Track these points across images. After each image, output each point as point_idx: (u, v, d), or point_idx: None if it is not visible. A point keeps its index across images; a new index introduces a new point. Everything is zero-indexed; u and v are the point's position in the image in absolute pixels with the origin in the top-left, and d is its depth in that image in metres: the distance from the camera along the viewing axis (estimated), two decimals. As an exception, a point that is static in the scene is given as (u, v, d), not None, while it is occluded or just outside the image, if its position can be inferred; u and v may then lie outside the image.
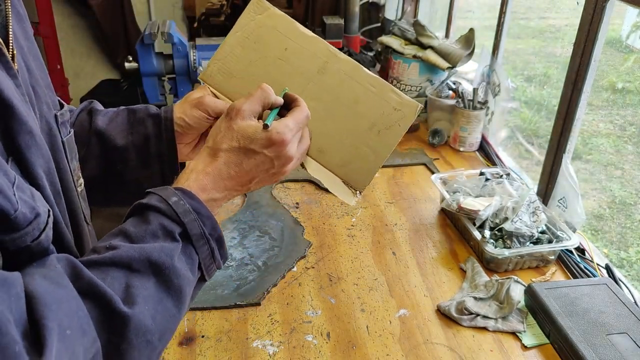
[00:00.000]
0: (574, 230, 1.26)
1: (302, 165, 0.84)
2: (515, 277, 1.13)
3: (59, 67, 3.27)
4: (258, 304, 1.11)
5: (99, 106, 0.87)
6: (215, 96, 0.85)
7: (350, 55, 2.37)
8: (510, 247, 1.19)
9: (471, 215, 1.27)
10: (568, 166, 1.33)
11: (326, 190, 1.49)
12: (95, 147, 0.82)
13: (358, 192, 0.83)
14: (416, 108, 0.80)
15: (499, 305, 1.09)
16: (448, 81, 1.93)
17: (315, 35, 0.83)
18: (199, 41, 2.16)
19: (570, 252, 1.25)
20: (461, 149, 1.79)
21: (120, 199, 0.87)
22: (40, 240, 0.50)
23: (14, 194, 0.46)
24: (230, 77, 0.84)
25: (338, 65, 0.82)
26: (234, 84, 0.84)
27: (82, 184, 0.70)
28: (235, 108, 0.69)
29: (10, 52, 0.54)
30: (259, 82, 0.76)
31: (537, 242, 1.23)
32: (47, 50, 3.19)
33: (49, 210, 0.52)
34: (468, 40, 1.91)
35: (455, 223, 1.38)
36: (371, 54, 2.42)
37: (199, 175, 0.66)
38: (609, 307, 1.04)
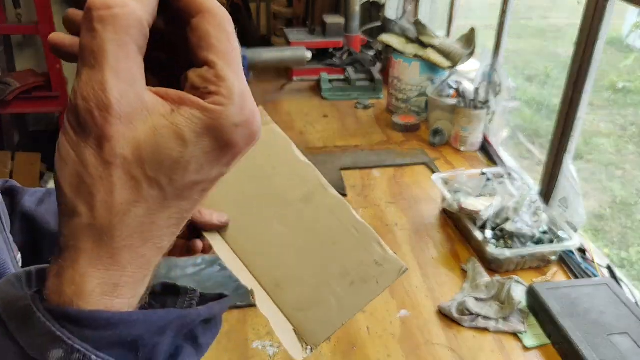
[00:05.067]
0: (575, 231, 1.26)
1: (252, 295, 0.74)
2: (517, 278, 1.12)
3: (58, 67, 3.27)
4: (258, 305, 1.11)
5: (18, 185, 0.72)
6: None
7: (350, 54, 2.37)
8: (511, 248, 1.19)
9: (472, 216, 1.26)
10: (569, 166, 1.33)
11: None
12: (21, 233, 0.67)
13: (309, 347, 0.74)
14: (400, 269, 0.71)
15: (500, 306, 1.08)
16: (449, 80, 1.92)
17: (310, 163, 0.77)
18: (199, 41, 2.16)
19: (572, 252, 1.25)
20: (462, 148, 1.78)
21: None
22: None
23: None
24: None
25: (325, 199, 0.73)
26: None
27: (20, 259, 0.58)
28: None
29: None
30: (233, 192, 0.70)
31: (538, 242, 1.23)
32: (47, 50, 3.19)
33: None
34: (469, 39, 1.91)
35: (456, 223, 1.38)
36: (372, 53, 2.42)
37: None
38: (610, 308, 1.04)
